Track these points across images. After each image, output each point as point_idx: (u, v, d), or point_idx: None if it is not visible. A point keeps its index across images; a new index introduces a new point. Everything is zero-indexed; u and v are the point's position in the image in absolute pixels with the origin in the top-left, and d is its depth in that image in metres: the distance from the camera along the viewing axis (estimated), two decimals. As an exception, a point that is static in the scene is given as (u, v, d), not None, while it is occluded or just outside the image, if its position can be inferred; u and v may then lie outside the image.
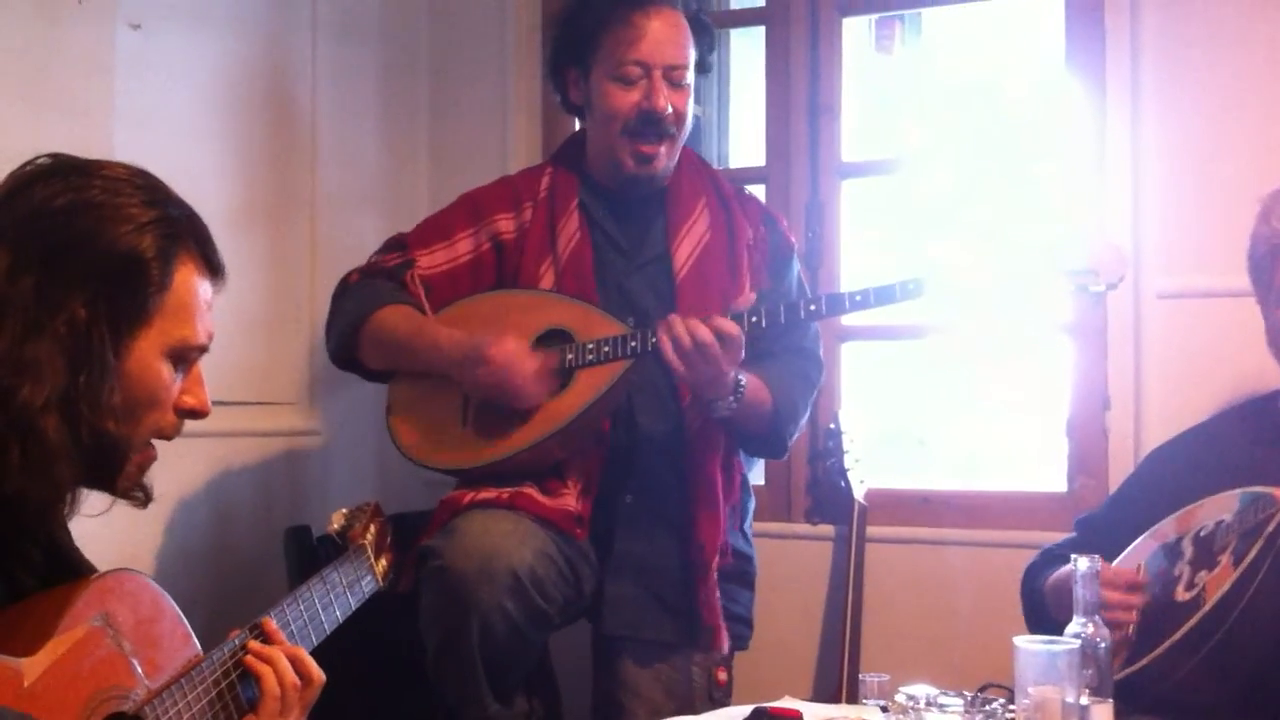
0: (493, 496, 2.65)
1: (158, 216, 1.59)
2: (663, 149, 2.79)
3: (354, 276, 2.89)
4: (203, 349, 1.66)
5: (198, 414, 1.68)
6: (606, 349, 2.65)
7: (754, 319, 2.58)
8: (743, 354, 2.59)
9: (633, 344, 2.63)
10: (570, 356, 2.67)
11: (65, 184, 1.56)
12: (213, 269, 1.68)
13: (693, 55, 2.81)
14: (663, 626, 2.75)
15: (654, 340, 2.60)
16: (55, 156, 1.61)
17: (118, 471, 1.59)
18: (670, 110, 2.76)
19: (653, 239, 2.86)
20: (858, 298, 2.57)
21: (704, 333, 2.54)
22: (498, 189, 2.94)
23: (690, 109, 2.83)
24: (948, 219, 3.78)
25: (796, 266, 2.96)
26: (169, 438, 1.67)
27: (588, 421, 2.69)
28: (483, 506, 2.63)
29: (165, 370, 1.61)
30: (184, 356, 1.64)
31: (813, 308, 2.62)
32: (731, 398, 2.64)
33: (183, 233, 1.62)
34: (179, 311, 1.61)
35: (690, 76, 2.81)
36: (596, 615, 2.79)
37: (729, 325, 2.55)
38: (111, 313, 1.55)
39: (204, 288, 1.66)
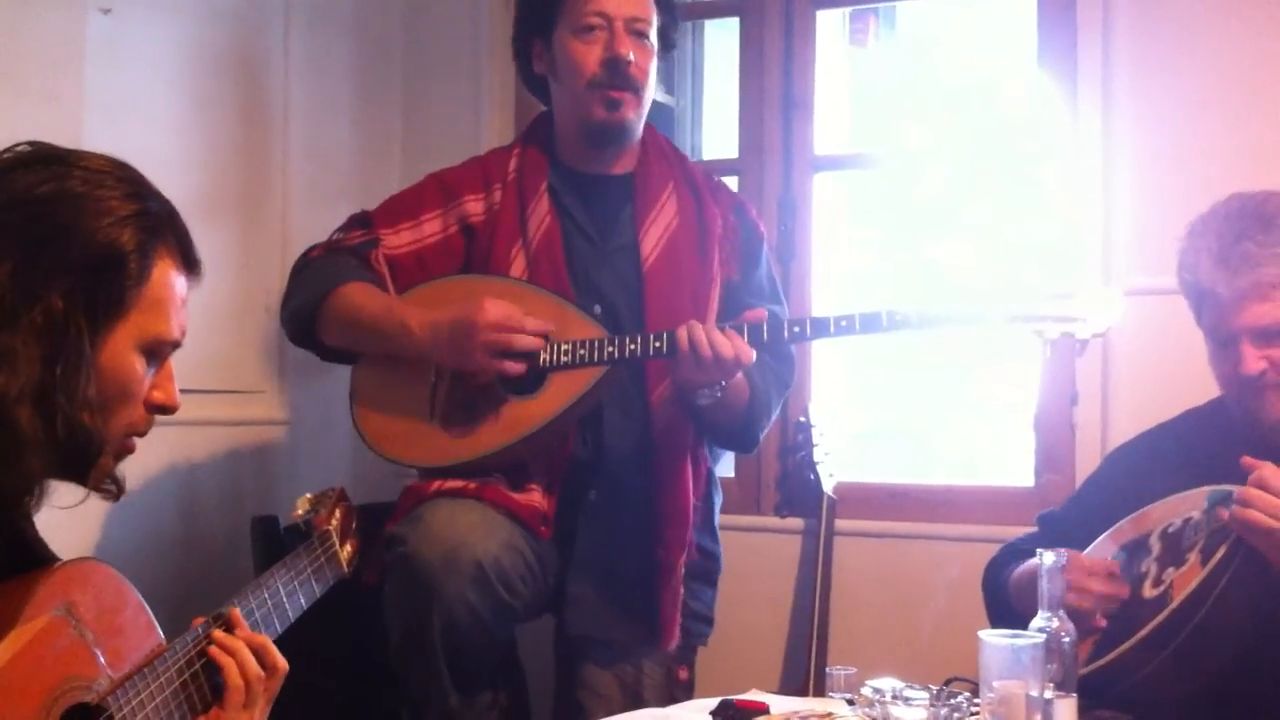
0: (460, 486, 2.63)
1: (138, 210, 1.58)
2: (629, 96, 2.76)
3: (316, 252, 2.83)
4: (176, 344, 1.66)
5: (167, 409, 1.68)
6: (583, 352, 2.61)
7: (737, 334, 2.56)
8: None
9: (610, 350, 2.60)
10: (545, 357, 2.64)
11: (46, 173, 1.55)
12: (190, 265, 1.67)
13: (655, 18, 2.79)
14: (622, 626, 2.74)
15: (657, 345, 2.57)
16: (35, 144, 1.60)
17: (91, 464, 1.58)
18: (633, 59, 2.73)
19: (620, 226, 2.83)
20: (843, 323, 2.55)
21: (725, 346, 2.51)
22: (467, 169, 2.90)
23: (653, 71, 2.80)
24: (931, 218, 3.78)
25: (767, 256, 2.94)
26: (141, 433, 1.67)
27: (559, 428, 2.67)
28: (450, 496, 2.62)
29: (138, 364, 1.61)
30: (157, 351, 1.63)
31: (796, 330, 2.59)
32: (717, 388, 2.61)
33: (162, 227, 1.62)
34: (155, 306, 1.60)
35: (654, 36, 2.78)
36: (559, 614, 2.79)
37: (746, 349, 2.51)
38: (88, 305, 1.54)
39: (180, 283, 1.65)
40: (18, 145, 1.59)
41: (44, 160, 1.57)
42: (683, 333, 2.53)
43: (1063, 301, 2.46)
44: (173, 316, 1.63)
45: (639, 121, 2.82)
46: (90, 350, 1.54)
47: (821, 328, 2.59)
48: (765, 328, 2.57)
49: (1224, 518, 2.13)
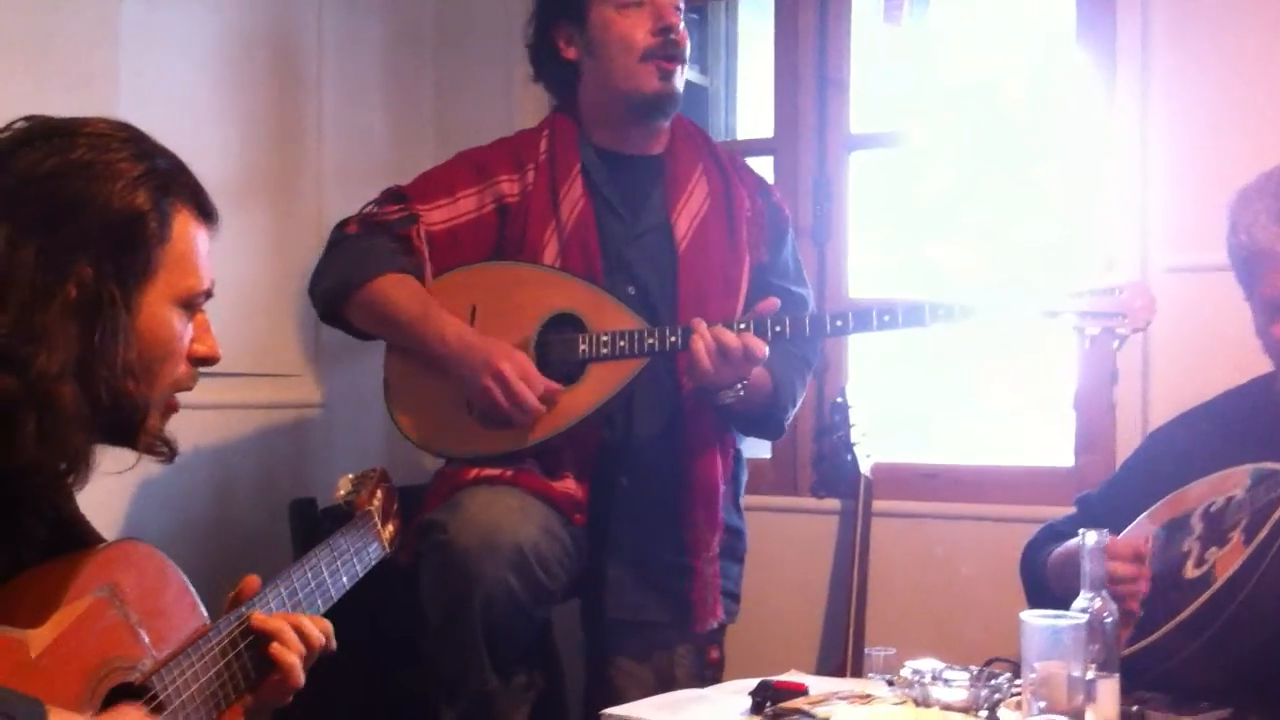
0: (496, 473, 2.64)
1: (148, 169, 1.58)
2: (679, 68, 2.78)
3: (352, 227, 2.82)
4: (208, 294, 1.67)
5: (209, 360, 1.69)
6: (622, 344, 2.62)
7: (777, 328, 2.56)
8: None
9: (650, 341, 2.60)
10: (584, 348, 2.64)
11: (50, 147, 1.55)
12: (207, 215, 1.67)
13: None
14: (658, 608, 2.75)
15: (673, 340, 2.58)
16: (31, 119, 1.59)
17: (139, 429, 1.59)
18: (683, 28, 2.77)
19: (651, 207, 2.83)
20: (885, 317, 2.53)
21: (732, 341, 2.52)
22: (498, 149, 2.90)
23: (687, 38, 2.82)
24: (955, 215, 3.75)
25: (791, 238, 2.94)
26: (188, 388, 1.68)
27: (598, 419, 2.68)
28: (487, 482, 2.63)
29: (177, 321, 1.62)
30: (191, 304, 1.64)
31: (839, 324, 2.59)
32: (739, 387, 2.62)
33: (174, 183, 1.61)
34: (181, 261, 1.61)
35: (682, 3, 2.81)
36: (594, 600, 2.79)
37: (756, 341, 2.53)
38: (117, 271, 1.54)
39: (201, 234, 1.65)
40: (15, 123, 1.58)
41: (45, 134, 1.56)
42: (697, 341, 2.53)
43: (1104, 298, 2.43)
44: (200, 267, 1.64)
45: (681, 95, 2.82)
46: (126, 316, 1.54)
47: (864, 321, 2.57)
48: (808, 322, 2.58)
49: None
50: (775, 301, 2.61)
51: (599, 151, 2.86)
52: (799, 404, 2.89)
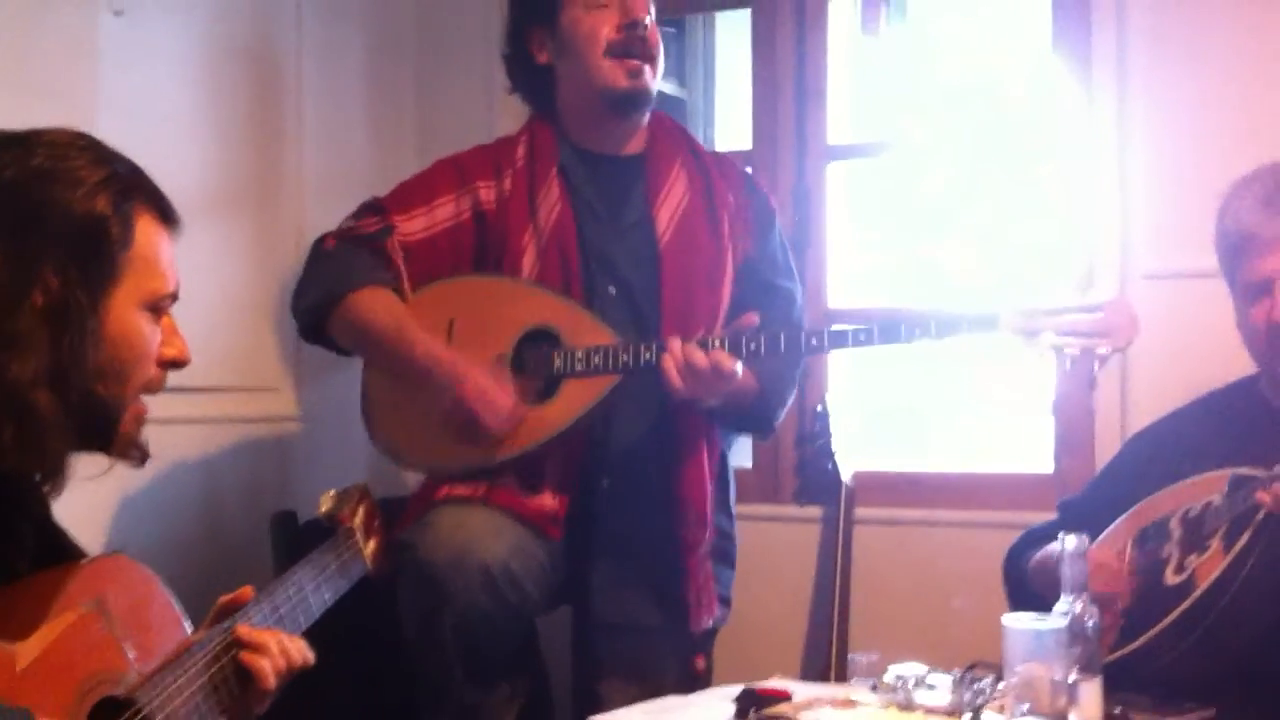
0: (468, 492, 2.63)
1: (108, 175, 1.58)
2: (647, 67, 2.78)
3: (330, 242, 2.81)
4: (174, 297, 1.67)
5: (179, 363, 1.69)
6: (597, 360, 2.61)
7: (751, 346, 2.55)
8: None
9: (624, 358, 2.59)
10: (559, 364, 2.63)
11: (8, 156, 1.55)
12: (169, 218, 1.67)
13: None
14: (648, 610, 2.74)
15: (647, 357, 2.58)
16: None
17: (113, 433, 1.60)
18: (650, 23, 2.76)
19: (632, 204, 2.83)
20: (861, 335, 2.53)
21: (701, 361, 2.51)
22: (478, 154, 2.90)
23: (660, 51, 2.82)
24: (941, 212, 3.77)
25: (779, 230, 2.93)
26: (155, 391, 1.68)
27: (572, 435, 2.67)
28: (457, 501, 2.62)
29: (144, 324, 1.62)
30: (158, 307, 1.64)
31: (814, 342, 2.59)
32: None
33: (134, 188, 1.62)
34: (145, 265, 1.61)
35: (653, 8, 2.81)
36: (582, 603, 2.78)
37: (727, 361, 2.52)
38: (83, 277, 1.54)
39: (164, 238, 1.66)
40: None
41: (2, 144, 1.57)
42: (667, 360, 2.53)
43: (1085, 317, 2.42)
44: (165, 270, 1.64)
45: (654, 89, 2.81)
46: (95, 320, 1.55)
47: (839, 339, 2.58)
48: (784, 339, 2.57)
49: (1264, 501, 2.11)
50: (754, 318, 2.60)
51: (578, 152, 2.86)
52: (789, 401, 2.88)
